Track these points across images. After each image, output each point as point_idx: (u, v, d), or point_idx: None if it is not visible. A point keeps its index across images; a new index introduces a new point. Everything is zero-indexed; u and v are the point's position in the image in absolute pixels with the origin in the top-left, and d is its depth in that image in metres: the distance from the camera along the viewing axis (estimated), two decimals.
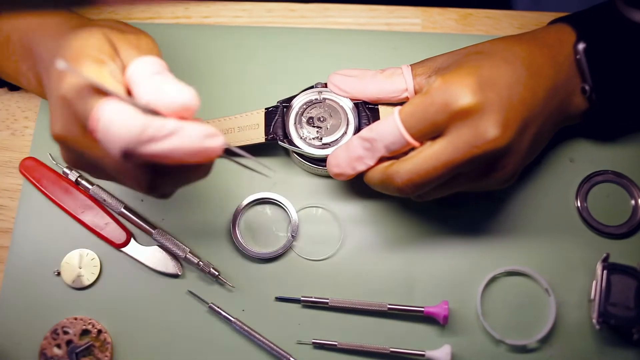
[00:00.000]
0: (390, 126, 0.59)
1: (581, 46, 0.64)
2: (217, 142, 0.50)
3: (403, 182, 0.59)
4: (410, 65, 0.66)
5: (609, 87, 0.65)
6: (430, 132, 0.58)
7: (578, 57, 0.64)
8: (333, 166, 0.64)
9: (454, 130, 0.57)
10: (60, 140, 0.52)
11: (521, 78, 0.60)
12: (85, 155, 0.52)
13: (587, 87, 0.64)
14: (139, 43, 0.56)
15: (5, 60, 0.65)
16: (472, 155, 0.56)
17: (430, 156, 0.57)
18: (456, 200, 0.70)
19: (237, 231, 0.69)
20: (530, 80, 0.60)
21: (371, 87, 0.67)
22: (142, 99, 0.49)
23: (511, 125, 0.57)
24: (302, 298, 0.68)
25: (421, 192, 0.61)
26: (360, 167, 0.62)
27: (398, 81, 0.66)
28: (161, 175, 0.51)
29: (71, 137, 0.51)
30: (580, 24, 0.65)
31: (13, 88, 0.75)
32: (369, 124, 0.68)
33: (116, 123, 0.47)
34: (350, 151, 0.62)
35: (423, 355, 0.66)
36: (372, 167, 0.62)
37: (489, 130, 0.56)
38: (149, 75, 0.50)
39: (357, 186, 0.71)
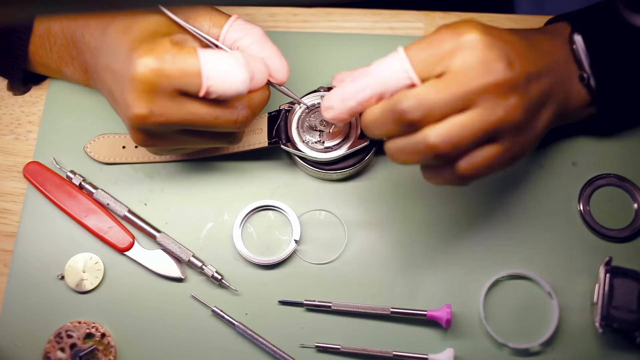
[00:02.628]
0: (393, 60, 0.57)
1: (577, 36, 0.65)
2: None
3: (410, 103, 0.55)
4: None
5: (608, 77, 0.65)
6: (434, 66, 0.56)
7: (574, 46, 0.65)
8: (325, 100, 0.60)
9: (461, 61, 0.55)
10: (142, 119, 0.57)
11: (524, 40, 0.60)
12: (167, 126, 0.58)
13: (585, 75, 0.65)
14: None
15: (47, 52, 0.69)
16: (483, 84, 0.54)
17: (440, 82, 0.55)
18: (457, 201, 0.70)
19: (240, 241, 0.69)
20: (531, 47, 0.60)
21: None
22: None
23: (518, 65, 0.56)
24: (305, 302, 0.68)
25: (436, 127, 0.55)
26: (350, 103, 0.58)
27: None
28: (248, 111, 0.60)
29: (158, 110, 0.56)
30: (576, 18, 0.67)
31: (18, 93, 0.75)
32: None
33: (228, 69, 0.56)
34: (345, 87, 0.59)
35: (426, 358, 0.66)
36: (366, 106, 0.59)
37: (497, 61, 0.55)
38: (259, 44, 0.61)
39: (361, 190, 0.72)
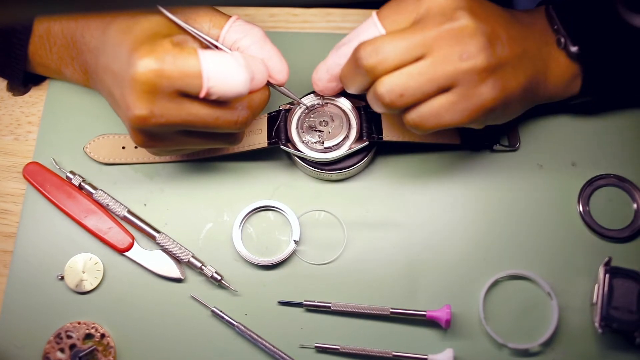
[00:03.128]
0: (367, 25, 0.61)
1: (552, 10, 0.66)
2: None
3: (365, 51, 0.57)
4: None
5: (586, 39, 0.65)
6: (404, 22, 0.59)
7: (549, 12, 0.66)
8: (314, 74, 0.65)
9: (424, 11, 0.58)
10: (142, 120, 0.57)
11: (496, 6, 0.61)
12: (168, 127, 0.58)
13: (562, 39, 0.65)
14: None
15: (47, 53, 0.69)
16: (438, 31, 0.56)
17: (398, 31, 0.57)
18: (456, 201, 0.70)
19: (240, 241, 0.69)
20: (504, 11, 0.62)
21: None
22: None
23: (479, 14, 0.57)
24: (305, 302, 0.68)
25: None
26: (334, 70, 0.63)
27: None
28: (248, 112, 0.61)
29: (158, 111, 0.56)
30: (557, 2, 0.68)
31: (17, 93, 0.75)
32: (371, 127, 0.68)
33: (226, 66, 0.56)
34: (327, 58, 0.64)
35: (425, 359, 0.66)
36: None
37: (456, 9, 0.57)
38: (259, 45, 0.62)
39: (361, 190, 0.72)
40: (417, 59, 0.56)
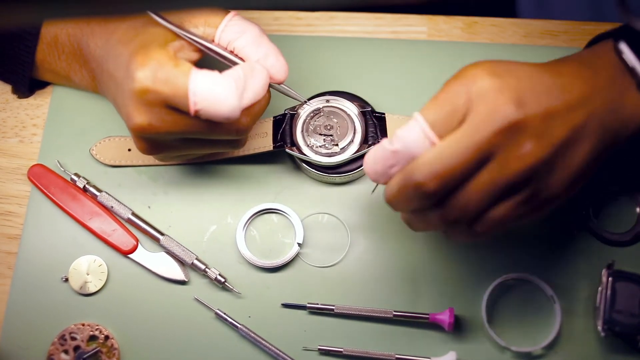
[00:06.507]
0: (412, 128, 0.54)
1: (622, 45, 0.58)
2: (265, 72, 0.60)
3: (424, 175, 0.52)
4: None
5: None
6: (451, 122, 0.53)
7: (623, 55, 0.58)
8: (370, 173, 0.57)
9: (473, 112, 0.52)
10: (142, 130, 0.57)
11: (546, 73, 0.55)
12: (169, 135, 0.58)
13: None
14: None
15: (56, 60, 0.69)
16: (492, 131, 0.51)
17: (450, 140, 0.52)
18: None
19: (243, 244, 0.70)
20: (559, 76, 0.55)
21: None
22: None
23: (531, 105, 0.52)
24: (308, 304, 0.68)
25: (451, 194, 0.53)
26: (385, 179, 0.56)
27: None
28: (248, 118, 0.60)
29: (157, 122, 0.57)
30: (616, 32, 0.61)
31: (22, 96, 0.75)
32: (376, 131, 0.68)
33: (215, 92, 0.55)
34: (374, 167, 0.56)
35: None
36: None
37: (506, 104, 0.51)
38: (255, 44, 0.60)
39: (364, 193, 0.72)
40: (480, 165, 0.52)
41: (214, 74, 0.57)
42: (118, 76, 0.58)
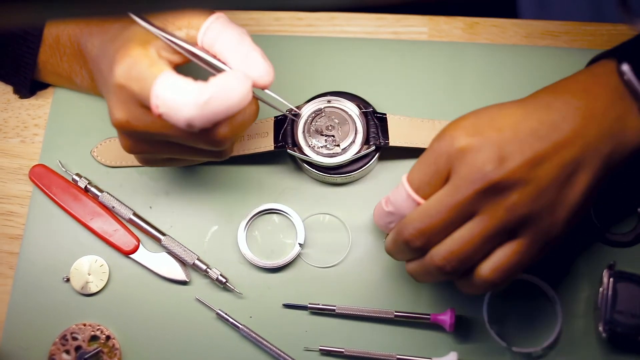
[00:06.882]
0: (399, 190, 0.58)
1: (624, 66, 0.57)
2: (248, 84, 0.55)
3: (409, 232, 0.56)
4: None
5: None
6: (435, 182, 0.56)
7: (625, 77, 0.57)
8: (377, 225, 0.62)
9: (454, 173, 0.55)
10: (121, 126, 0.57)
11: (533, 113, 0.56)
12: (148, 135, 0.57)
13: None
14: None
15: (58, 61, 0.70)
16: (472, 192, 0.53)
17: (433, 200, 0.55)
18: None
19: (244, 244, 0.70)
20: (547, 113, 0.56)
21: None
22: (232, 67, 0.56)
23: (513, 158, 0.53)
24: (310, 305, 0.68)
25: (438, 247, 0.56)
26: (391, 226, 0.60)
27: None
28: (221, 129, 0.56)
29: (133, 120, 0.56)
30: (617, 50, 0.60)
31: (24, 96, 0.75)
32: (377, 132, 0.68)
33: (175, 97, 0.53)
34: (378, 221, 0.61)
35: None
36: None
37: (485, 164, 0.53)
38: (234, 46, 0.56)
39: (365, 193, 0.72)
40: (465, 220, 0.54)
41: (181, 79, 0.54)
42: (104, 72, 0.58)
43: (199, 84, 0.54)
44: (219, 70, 0.56)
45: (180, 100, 0.53)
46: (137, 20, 0.56)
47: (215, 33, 0.56)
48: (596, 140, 0.55)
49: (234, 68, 0.56)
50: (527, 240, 0.55)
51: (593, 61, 0.63)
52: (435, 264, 0.56)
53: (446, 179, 0.55)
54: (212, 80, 0.54)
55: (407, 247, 0.57)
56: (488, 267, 0.55)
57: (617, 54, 0.59)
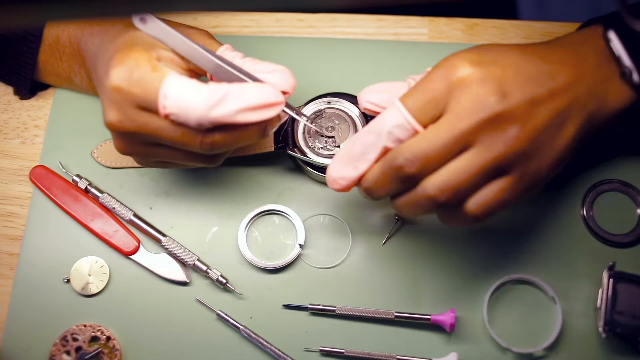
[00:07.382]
0: (392, 112, 0.56)
1: (611, 33, 0.60)
2: (278, 98, 0.56)
3: (406, 158, 0.54)
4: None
5: None
6: (432, 110, 0.55)
7: (610, 43, 0.60)
8: (332, 171, 0.59)
9: (456, 102, 0.54)
10: (113, 127, 0.57)
11: (532, 61, 0.57)
12: (140, 136, 0.57)
13: (627, 70, 0.59)
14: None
15: (58, 61, 0.70)
16: (475, 122, 0.53)
17: (432, 128, 0.54)
18: None
19: (245, 245, 0.70)
20: (544, 64, 0.57)
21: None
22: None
23: (514, 95, 0.54)
24: (310, 306, 0.68)
25: (434, 176, 0.54)
26: (363, 165, 0.57)
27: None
28: (221, 137, 0.56)
29: (126, 121, 0.56)
30: (606, 18, 0.62)
31: (24, 97, 0.76)
32: None
33: (187, 96, 0.54)
34: (351, 150, 0.58)
35: None
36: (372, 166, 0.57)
37: (489, 95, 0.53)
38: (254, 63, 0.59)
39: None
40: (461, 152, 0.54)
41: (189, 79, 0.55)
42: (100, 72, 0.58)
43: (206, 84, 0.54)
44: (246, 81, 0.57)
45: (190, 98, 0.54)
46: (160, 24, 0.56)
47: (231, 56, 0.59)
48: (584, 96, 0.58)
49: (262, 79, 0.58)
50: (515, 179, 0.55)
51: (585, 25, 0.66)
52: (428, 194, 0.55)
53: (442, 109, 0.55)
54: (229, 84, 0.55)
55: (397, 175, 0.55)
56: (475, 201, 0.55)
57: (605, 20, 0.62)
